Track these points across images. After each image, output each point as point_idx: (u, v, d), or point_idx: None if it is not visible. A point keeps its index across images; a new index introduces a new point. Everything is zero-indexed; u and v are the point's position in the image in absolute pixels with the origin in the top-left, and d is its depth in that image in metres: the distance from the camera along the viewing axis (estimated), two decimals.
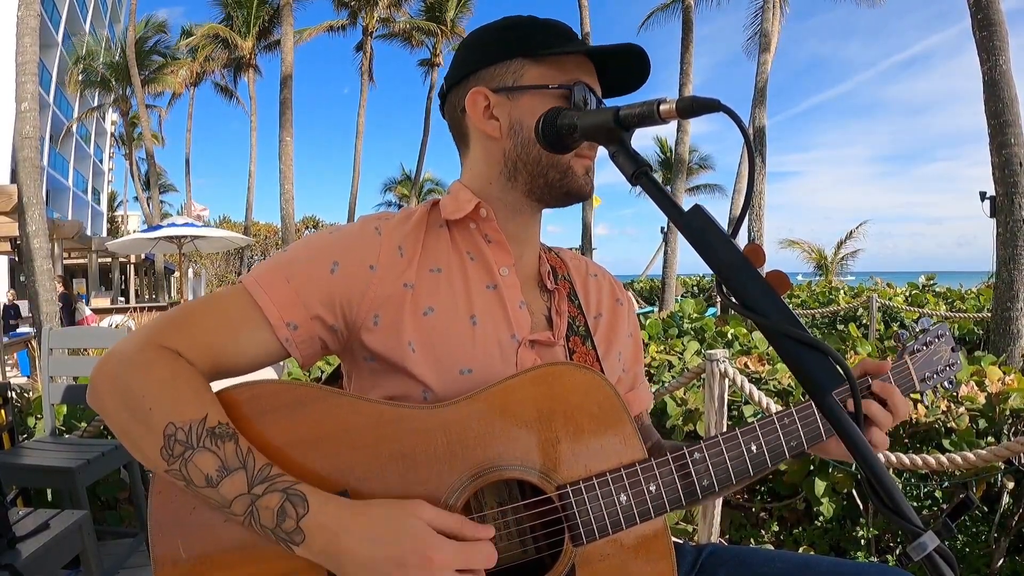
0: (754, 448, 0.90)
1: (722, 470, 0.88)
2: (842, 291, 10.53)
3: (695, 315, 6.00)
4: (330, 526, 0.73)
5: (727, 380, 2.37)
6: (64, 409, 3.12)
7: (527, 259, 1.03)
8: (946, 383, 1.13)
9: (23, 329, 11.48)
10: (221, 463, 0.74)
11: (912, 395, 1.09)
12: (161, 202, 34.04)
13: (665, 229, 17.86)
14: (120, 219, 42.89)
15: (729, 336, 4.85)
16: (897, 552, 2.49)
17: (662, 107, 0.69)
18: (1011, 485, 2.30)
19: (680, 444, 0.93)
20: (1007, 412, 2.35)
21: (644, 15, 19.40)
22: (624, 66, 0.95)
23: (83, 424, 3.10)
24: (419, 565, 0.71)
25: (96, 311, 13.49)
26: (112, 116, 34.88)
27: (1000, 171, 5.82)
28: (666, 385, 2.76)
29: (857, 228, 21.16)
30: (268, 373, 0.93)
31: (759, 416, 2.44)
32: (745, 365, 2.98)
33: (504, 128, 0.94)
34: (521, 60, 0.93)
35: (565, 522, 0.83)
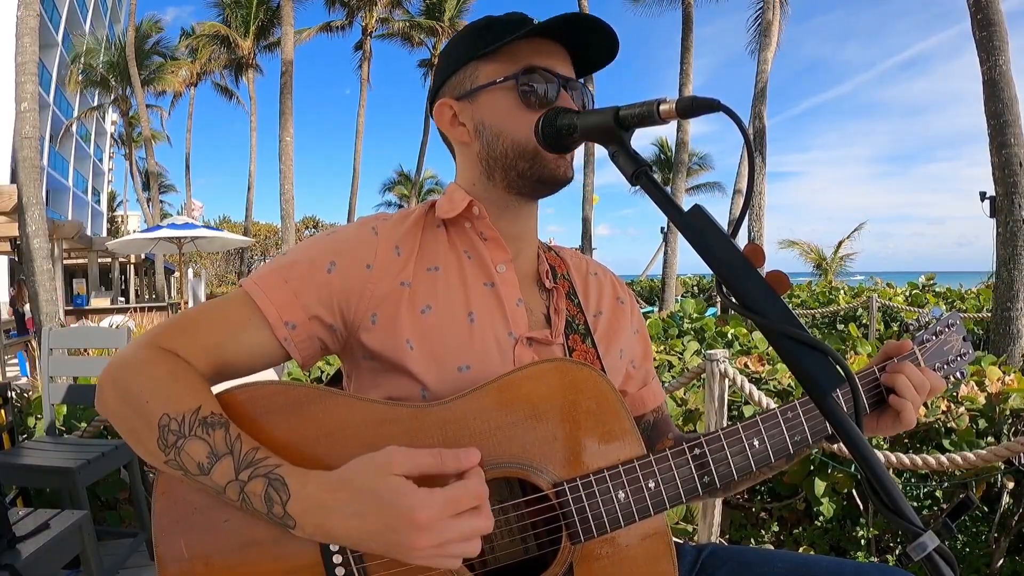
0: (756, 443, 0.90)
1: (723, 466, 0.88)
2: (842, 291, 10.53)
3: (695, 315, 6.00)
4: (313, 509, 0.72)
5: (727, 380, 2.37)
6: (64, 409, 3.12)
7: (525, 256, 1.03)
8: (958, 374, 1.10)
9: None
10: (211, 450, 0.74)
11: None
12: (161, 202, 34.06)
13: (665, 229, 17.86)
14: (120, 219, 42.94)
15: (729, 336, 4.85)
16: (897, 552, 2.49)
17: (662, 107, 0.69)
18: (1011, 485, 2.30)
19: (692, 436, 0.92)
20: (1007, 412, 2.35)
21: (647, 15, 19.18)
22: (588, 37, 0.94)
23: (83, 424, 3.10)
24: (409, 529, 0.69)
25: (96, 311, 13.48)
26: (112, 116, 34.91)
27: (1000, 171, 5.82)
28: (666, 385, 2.76)
29: (855, 230, 21.09)
30: (268, 373, 0.93)
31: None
32: (745, 365, 2.98)
33: (471, 131, 0.97)
34: (474, 63, 0.96)
35: (562, 520, 0.83)
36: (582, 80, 0.99)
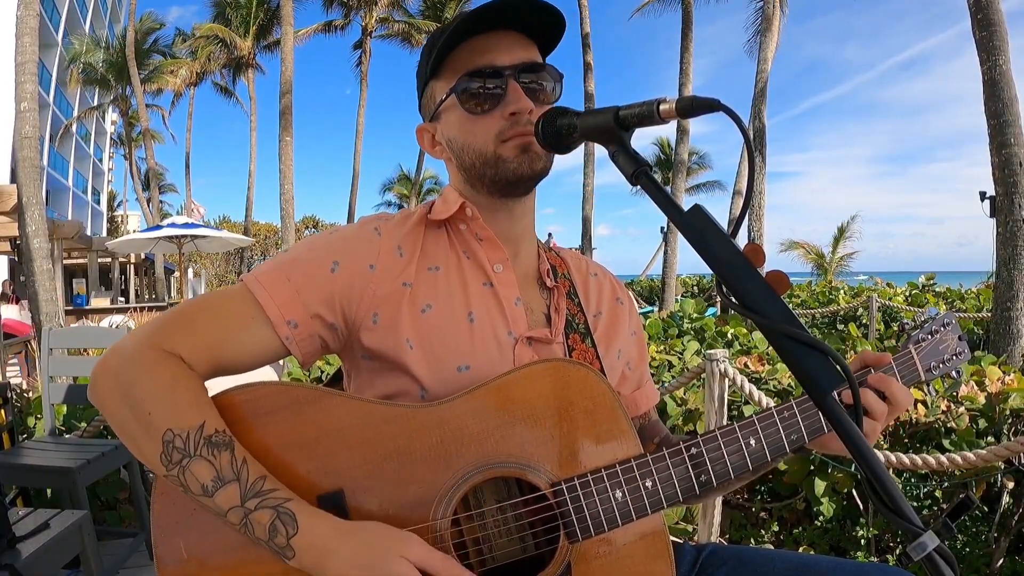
0: (752, 443, 0.90)
1: (720, 465, 0.88)
2: (842, 291, 10.52)
3: (695, 315, 5.99)
4: (318, 547, 0.74)
5: (727, 380, 2.37)
6: (64, 409, 3.12)
7: (524, 256, 1.03)
8: (953, 373, 1.10)
9: None
10: (216, 473, 0.75)
11: (915, 394, 1.07)
12: (161, 202, 34.07)
13: (665, 229, 17.87)
14: (120, 219, 42.92)
15: (729, 336, 4.84)
16: (897, 552, 2.49)
17: (662, 107, 0.69)
18: (1011, 485, 2.30)
19: (683, 438, 0.92)
20: (1007, 412, 2.35)
21: (647, 15, 19.31)
22: (525, 15, 0.91)
23: (83, 424, 3.10)
24: None
25: (96, 311, 13.48)
26: (112, 116, 34.90)
27: (1000, 171, 5.81)
28: (666, 385, 2.76)
29: (849, 222, 20.82)
30: (268, 373, 0.93)
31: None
32: (745, 365, 2.98)
33: (447, 148, 0.98)
34: (431, 83, 0.97)
35: (560, 519, 0.83)
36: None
